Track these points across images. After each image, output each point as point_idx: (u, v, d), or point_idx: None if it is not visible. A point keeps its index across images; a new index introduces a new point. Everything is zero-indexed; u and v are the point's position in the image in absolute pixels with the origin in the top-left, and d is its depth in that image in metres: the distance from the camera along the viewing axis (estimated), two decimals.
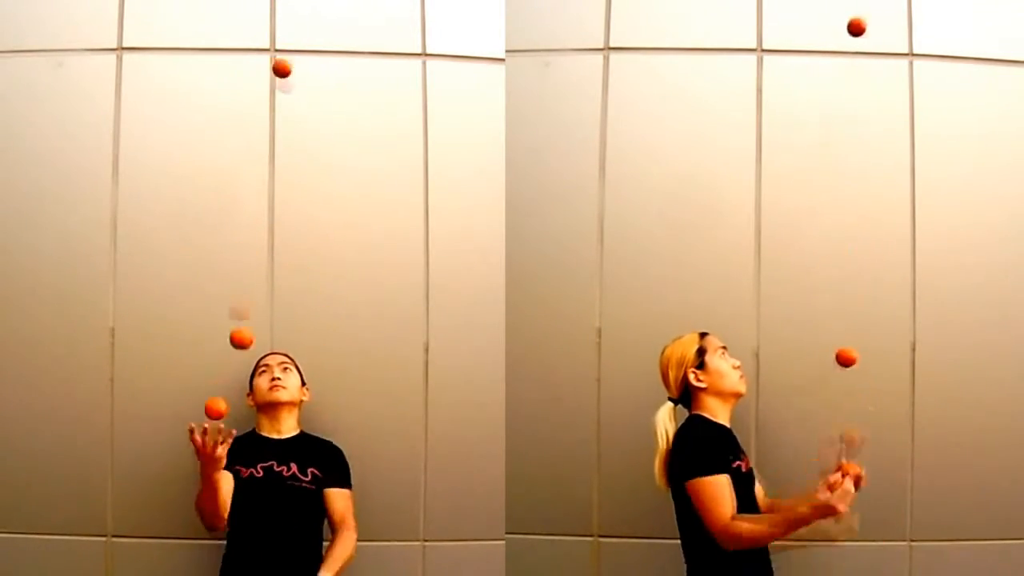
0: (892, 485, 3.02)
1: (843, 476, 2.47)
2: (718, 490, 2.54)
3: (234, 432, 2.60)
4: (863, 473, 2.55)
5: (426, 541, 3.08)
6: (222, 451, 2.57)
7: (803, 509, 2.48)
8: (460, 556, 3.07)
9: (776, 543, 2.65)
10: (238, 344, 2.76)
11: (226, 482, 2.75)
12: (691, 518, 2.61)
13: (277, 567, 2.73)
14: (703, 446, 2.61)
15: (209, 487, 2.65)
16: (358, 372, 3.07)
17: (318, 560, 2.83)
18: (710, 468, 2.56)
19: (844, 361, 2.81)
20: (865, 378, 3.02)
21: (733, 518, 2.52)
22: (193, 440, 2.56)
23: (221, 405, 2.65)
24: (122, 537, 3.02)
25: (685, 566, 2.67)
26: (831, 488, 2.45)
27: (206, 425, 2.56)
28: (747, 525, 2.52)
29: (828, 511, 2.44)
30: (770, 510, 2.72)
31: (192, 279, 3.05)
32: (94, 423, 3.01)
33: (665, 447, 2.68)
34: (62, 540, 3.01)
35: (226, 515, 2.72)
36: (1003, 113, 3.10)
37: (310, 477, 2.83)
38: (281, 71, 2.93)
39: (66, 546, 3.01)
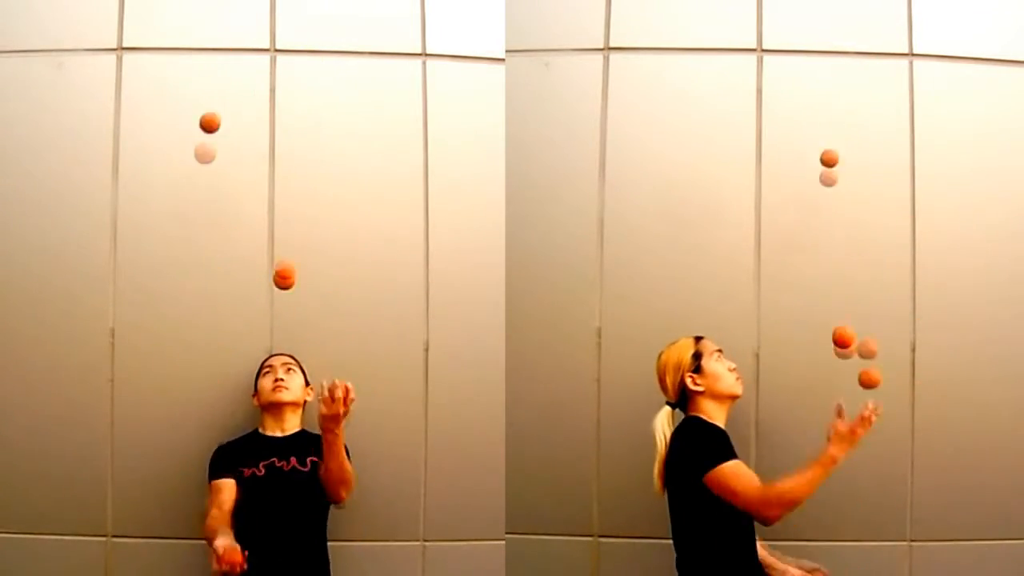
0: (892, 485, 3.02)
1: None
2: (741, 470, 2.56)
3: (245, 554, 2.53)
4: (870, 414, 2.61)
5: (426, 541, 3.08)
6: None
7: (832, 450, 2.54)
8: (460, 556, 3.07)
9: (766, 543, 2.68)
10: (206, 127, 2.89)
11: (227, 492, 2.78)
12: (692, 518, 2.62)
13: (284, 562, 2.74)
14: (707, 440, 2.63)
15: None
16: (358, 372, 3.05)
17: (324, 554, 2.84)
18: (724, 456, 2.57)
19: (840, 342, 2.92)
20: None
21: (767, 485, 2.54)
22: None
23: (291, 272, 2.84)
24: (122, 537, 3.02)
25: (676, 568, 2.68)
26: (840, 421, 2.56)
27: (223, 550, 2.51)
28: (785, 485, 2.54)
29: (849, 439, 2.54)
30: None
31: (192, 279, 3.05)
32: (94, 423, 3.01)
33: (664, 451, 2.69)
34: (62, 540, 3.01)
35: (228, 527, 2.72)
36: (1003, 113, 3.10)
37: (309, 466, 2.84)
38: (208, 126, 2.98)
39: (66, 546, 3.01)
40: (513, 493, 3.07)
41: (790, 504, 2.54)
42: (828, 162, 2.98)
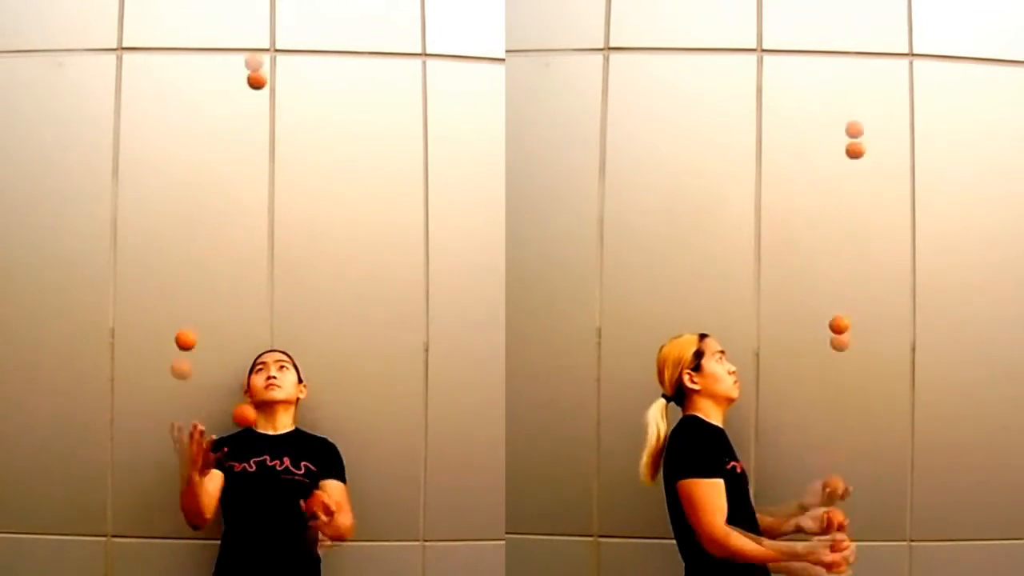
0: (892, 485, 3.02)
1: (830, 524, 2.59)
2: (711, 493, 2.54)
3: (214, 437, 2.65)
4: (845, 522, 2.62)
5: (426, 541, 3.08)
6: (207, 453, 2.62)
7: (800, 548, 2.52)
8: (460, 556, 3.07)
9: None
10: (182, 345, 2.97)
11: (212, 481, 2.76)
12: (684, 517, 2.61)
13: (271, 562, 2.74)
14: (699, 448, 2.62)
15: (191, 487, 2.68)
16: (358, 372, 3.07)
17: (312, 554, 2.83)
18: (704, 471, 2.57)
19: (837, 329, 2.96)
20: (865, 378, 3.03)
21: (727, 527, 2.52)
22: (180, 439, 2.61)
23: (250, 413, 2.83)
24: (122, 537, 3.02)
25: (683, 565, 2.67)
26: (834, 548, 2.51)
27: (188, 425, 2.63)
28: (742, 541, 2.53)
29: (823, 564, 2.51)
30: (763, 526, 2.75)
31: (192, 279, 3.05)
32: (94, 423, 3.01)
33: (655, 443, 2.69)
34: (62, 540, 3.01)
35: (210, 514, 2.74)
36: (1003, 113, 3.10)
37: (303, 470, 2.83)
38: (256, 84, 3.02)
39: (66, 546, 3.01)
40: (513, 493, 3.07)
41: (732, 558, 2.53)
42: (853, 133, 2.94)
